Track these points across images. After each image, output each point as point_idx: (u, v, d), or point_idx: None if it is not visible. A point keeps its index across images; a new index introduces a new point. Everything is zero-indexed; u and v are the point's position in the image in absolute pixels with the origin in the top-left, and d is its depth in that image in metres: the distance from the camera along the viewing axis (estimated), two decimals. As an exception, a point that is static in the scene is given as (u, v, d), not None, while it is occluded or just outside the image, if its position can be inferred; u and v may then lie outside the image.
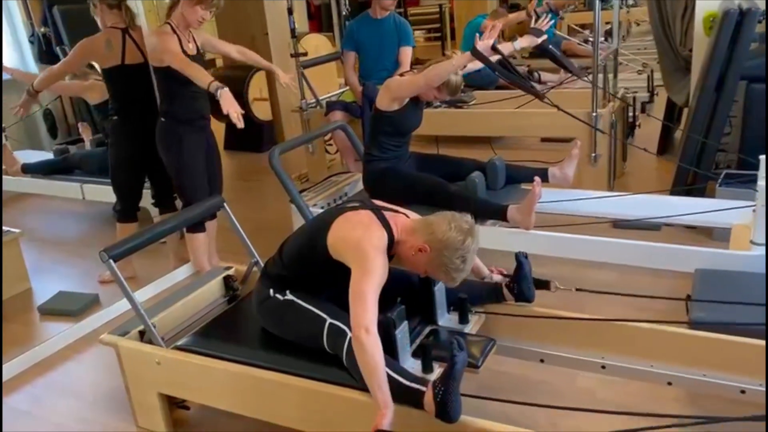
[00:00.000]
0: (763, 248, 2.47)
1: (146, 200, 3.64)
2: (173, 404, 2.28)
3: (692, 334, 1.96)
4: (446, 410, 1.61)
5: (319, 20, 10.48)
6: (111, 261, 2.18)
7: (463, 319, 2.14)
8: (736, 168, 3.51)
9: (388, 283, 2.01)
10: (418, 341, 2.04)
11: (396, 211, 2.05)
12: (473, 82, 4.73)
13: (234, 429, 2.28)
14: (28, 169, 4.54)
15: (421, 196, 3.00)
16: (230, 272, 2.63)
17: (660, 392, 2.15)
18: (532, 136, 5.22)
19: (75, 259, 4.00)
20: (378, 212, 1.98)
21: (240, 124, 2.69)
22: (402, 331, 1.91)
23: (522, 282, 2.15)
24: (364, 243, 1.84)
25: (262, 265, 2.56)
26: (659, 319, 2.08)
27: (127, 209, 3.46)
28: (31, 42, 5.87)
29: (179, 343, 2.18)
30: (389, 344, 1.87)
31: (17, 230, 3.58)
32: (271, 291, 2.08)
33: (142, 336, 2.25)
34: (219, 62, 6.52)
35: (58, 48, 5.54)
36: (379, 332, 1.83)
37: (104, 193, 4.08)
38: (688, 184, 3.53)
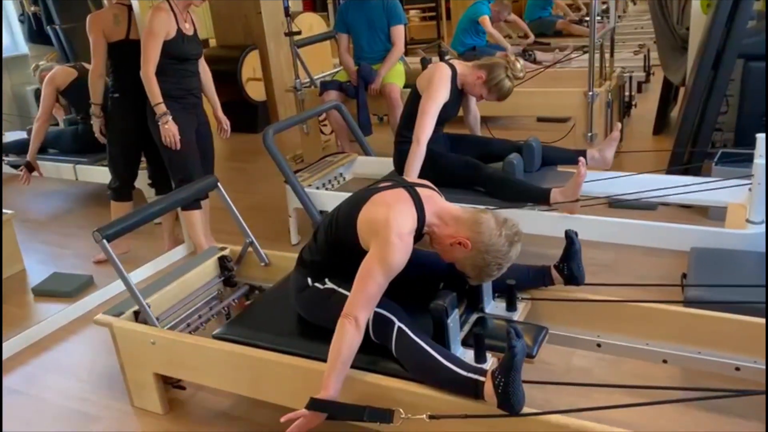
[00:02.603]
0: (759, 227, 2.47)
1: (141, 182, 3.62)
2: (169, 384, 2.28)
3: (687, 312, 1.96)
4: (509, 400, 1.54)
5: (313, -1, 10.38)
6: (104, 241, 2.17)
7: (511, 307, 2.05)
8: (733, 147, 3.50)
9: (428, 269, 1.98)
10: (465, 330, 1.96)
11: (430, 188, 1.96)
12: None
13: (230, 409, 2.29)
14: (3, 149, 4.50)
15: (456, 178, 2.90)
16: (225, 252, 2.62)
17: (655, 370, 2.16)
18: (528, 115, 5.20)
19: (69, 239, 3.98)
20: (411, 190, 1.87)
21: (173, 147, 3.06)
22: (453, 320, 1.83)
23: (573, 261, 2.05)
24: (388, 229, 1.73)
25: (257, 245, 2.56)
26: (655, 297, 2.08)
27: (122, 188, 3.44)
28: (22, 21, 5.80)
29: (215, 332, 2.11)
30: (441, 333, 1.81)
31: (10, 211, 3.56)
32: (309, 280, 1.98)
33: (137, 316, 2.24)
34: (212, 42, 6.45)
35: (48, 27, 5.48)
36: (429, 320, 1.80)
37: (98, 174, 4.07)
38: (684, 163, 3.52)
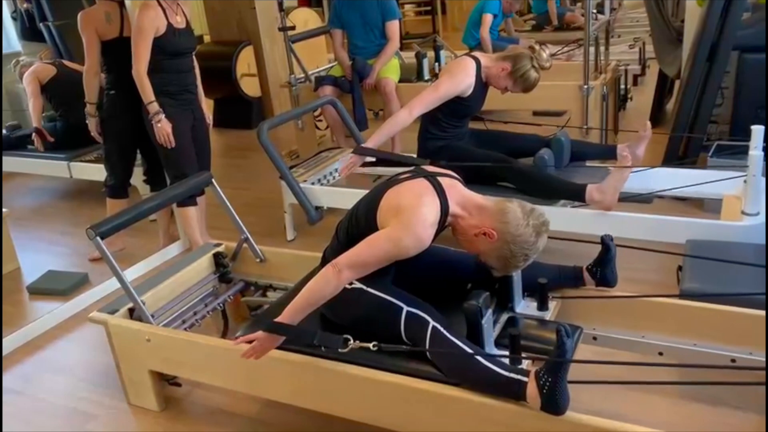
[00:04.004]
0: (754, 218, 2.47)
1: (137, 178, 3.61)
2: (164, 381, 2.28)
3: (683, 304, 1.96)
4: (555, 402, 1.50)
5: (308, -6, 10.36)
6: (98, 238, 2.16)
7: (543, 306, 1.99)
8: (728, 139, 3.50)
9: (455, 269, 1.94)
10: (497, 330, 1.90)
11: (451, 177, 1.89)
12: None
13: (226, 406, 2.28)
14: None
15: (485, 174, 2.82)
16: (220, 249, 2.61)
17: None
18: (523, 109, 5.18)
19: (64, 237, 3.97)
20: (432, 179, 1.80)
21: (167, 145, 3.05)
22: (487, 320, 1.77)
23: (606, 266, 2.02)
24: (411, 217, 1.69)
25: (252, 241, 2.55)
26: (650, 289, 2.08)
27: (118, 185, 3.43)
28: (14, 18, 5.77)
29: (238, 335, 1.99)
30: (475, 333, 1.75)
31: (4, 209, 3.54)
32: None
33: (132, 313, 2.23)
34: (207, 38, 6.43)
35: (41, 24, 5.45)
36: (459, 321, 1.76)
37: (92, 172, 4.06)
38: (679, 156, 3.52)
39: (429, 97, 2.87)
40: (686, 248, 2.39)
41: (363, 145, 2.95)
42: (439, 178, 1.82)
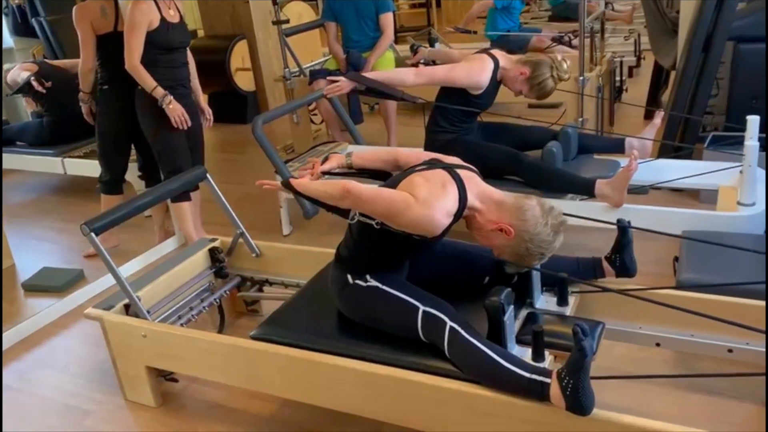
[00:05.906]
0: (749, 209, 2.48)
1: (131, 174, 3.59)
2: (161, 377, 2.27)
3: (680, 294, 1.96)
4: (580, 403, 1.48)
5: (301, -12, 10.30)
6: (93, 234, 2.15)
7: (563, 301, 1.96)
8: (723, 130, 3.50)
9: (472, 263, 1.93)
10: (517, 326, 1.86)
11: (470, 169, 1.86)
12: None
13: (223, 401, 2.28)
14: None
15: (494, 168, 2.76)
16: (216, 244, 2.60)
17: (648, 354, 2.16)
18: (519, 102, 5.17)
19: (58, 234, 3.95)
20: (452, 170, 1.78)
21: (182, 126, 3.05)
22: (509, 317, 1.73)
23: (625, 253, 1.98)
24: (434, 200, 1.66)
25: (248, 236, 2.55)
26: (647, 280, 2.08)
27: (112, 181, 3.42)
28: (6, 14, 5.72)
29: (252, 333, 1.99)
30: (497, 331, 1.72)
31: (-2, 206, 3.52)
32: (350, 277, 1.88)
33: (128, 309, 2.22)
34: (200, 32, 6.40)
35: (33, 20, 5.41)
36: (477, 317, 1.75)
37: (86, 168, 4.03)
38: (675, 148, 3.51)
39: (439, 75, 2.87)
40: (682, 240, 2.39)
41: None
42: (458, 170, 1.79)
